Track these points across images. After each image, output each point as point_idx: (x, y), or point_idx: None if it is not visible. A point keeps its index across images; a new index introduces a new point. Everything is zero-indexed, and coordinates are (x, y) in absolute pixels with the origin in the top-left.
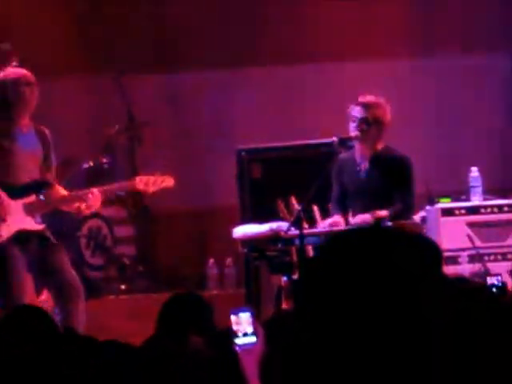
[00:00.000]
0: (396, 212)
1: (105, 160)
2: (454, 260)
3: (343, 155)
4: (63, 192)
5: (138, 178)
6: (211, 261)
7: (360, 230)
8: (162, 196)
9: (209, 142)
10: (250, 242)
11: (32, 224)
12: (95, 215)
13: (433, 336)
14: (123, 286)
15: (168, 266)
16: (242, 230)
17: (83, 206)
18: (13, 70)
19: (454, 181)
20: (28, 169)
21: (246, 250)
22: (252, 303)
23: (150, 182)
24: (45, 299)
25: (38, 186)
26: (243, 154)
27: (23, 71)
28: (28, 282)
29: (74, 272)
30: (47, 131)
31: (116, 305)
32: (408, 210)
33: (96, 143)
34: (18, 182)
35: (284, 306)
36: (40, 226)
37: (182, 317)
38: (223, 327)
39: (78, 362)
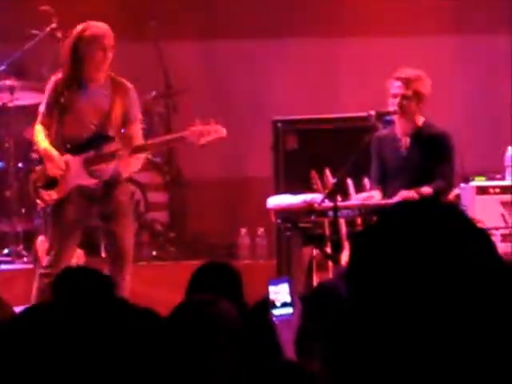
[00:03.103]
0: (438, 189)
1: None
2: None
3: (383, 131)
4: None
5: (190, 130)
6: (243, 230)
7: (417, 203)
8: (198, 164)
9: (245, 112)
10: (283, 212)
11: (86, 179)
12: (129, 180)
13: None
14: (155, 253)
15: (200, 234)
16: (276, 201)
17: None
18: (92, 25)
19: (490, 160)
20: (91, 124)
21: (278, 221)
22: (283, 274)
23: (203, 134)
24: (75, 260)
25: (97, 141)
26: (279, 124)
27: (104, 30)
28: (75, 243)
29: (130, 241)
30: (128, 86)
31: (147, 271)
32: (449, 186)
33: None
34: (81, 137)
35: (315, 278)
36: (92, 181)
37: (212, 285)
38: (256, 298)
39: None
